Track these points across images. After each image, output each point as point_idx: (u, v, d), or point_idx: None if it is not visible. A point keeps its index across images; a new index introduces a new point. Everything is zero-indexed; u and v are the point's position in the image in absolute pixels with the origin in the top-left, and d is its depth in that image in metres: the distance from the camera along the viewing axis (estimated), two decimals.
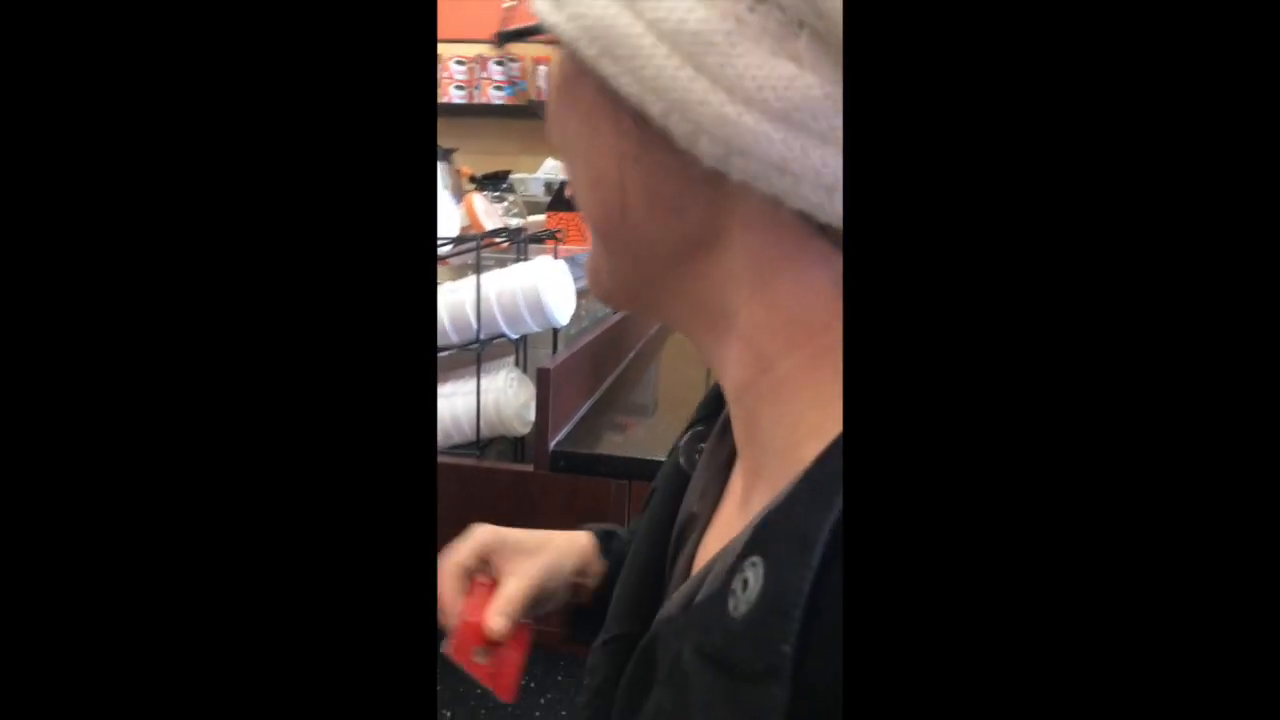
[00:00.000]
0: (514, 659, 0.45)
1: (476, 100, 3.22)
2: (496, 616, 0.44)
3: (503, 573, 0.47)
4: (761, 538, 0.22)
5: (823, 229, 0.22)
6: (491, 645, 0.44)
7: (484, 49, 3.19)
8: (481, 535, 0.48)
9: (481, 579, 0.47)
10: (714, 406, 0.34)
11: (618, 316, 1.40)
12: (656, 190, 0.24)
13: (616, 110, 0.23)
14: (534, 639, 0.46)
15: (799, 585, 0.19)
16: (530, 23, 0.24)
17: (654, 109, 0.21)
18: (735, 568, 0.22)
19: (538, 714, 0.78)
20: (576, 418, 0.99)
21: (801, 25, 0.20)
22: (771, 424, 0.25)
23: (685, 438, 0.35)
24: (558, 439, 0.90)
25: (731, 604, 0.21)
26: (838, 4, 0.19)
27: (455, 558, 0.47)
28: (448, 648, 0.43)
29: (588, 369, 1.08)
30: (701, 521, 0.31)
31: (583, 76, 0.23)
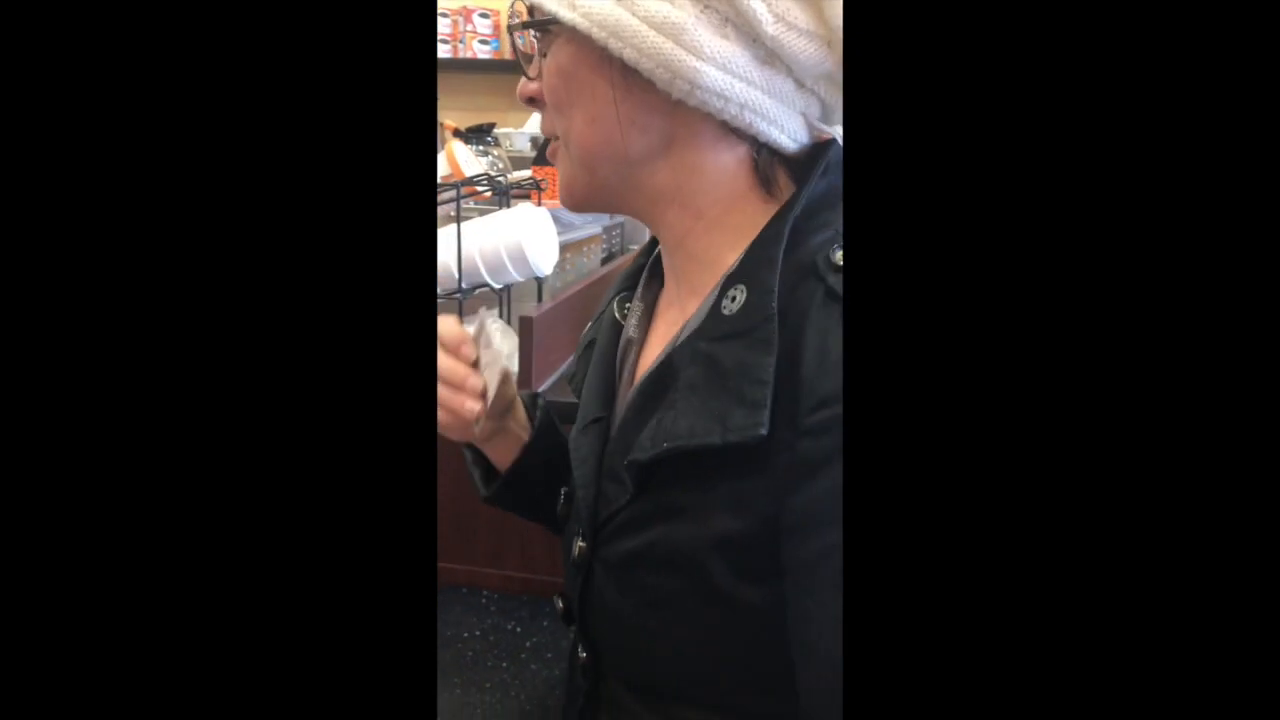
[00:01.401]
0: None
1: (461, 55, 3.15)
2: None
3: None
4: (736, 276, 0.40)
5: (735, 131, 0.40)
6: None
7: (468, 1, 3.11)
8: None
9: None
10: (630, 281, 0.52)
11: (603, 270, 1.39)
12: (637, 118, 0.40)
13: (612, 71, 0.39)
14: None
15: (770, 287, 0.38)
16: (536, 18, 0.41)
17: (644, 66, 0.38)
18: (720, 296, 0.40)
19: (523, 655, 0.79)
20: (560, 370, 0.99)
21: (726, 21, 0.38)
22: (703, 249, 0.43)
23: (613, 302, 0.52)
24: (542, 388, 0.90)
25: (726, 309, 0.39)
26: (750, 5, 0.37)
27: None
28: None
29: (572, 320, 1.07)
30: (638, 342, 0.49)
31: (589, 53, 0.39)
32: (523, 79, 0.44)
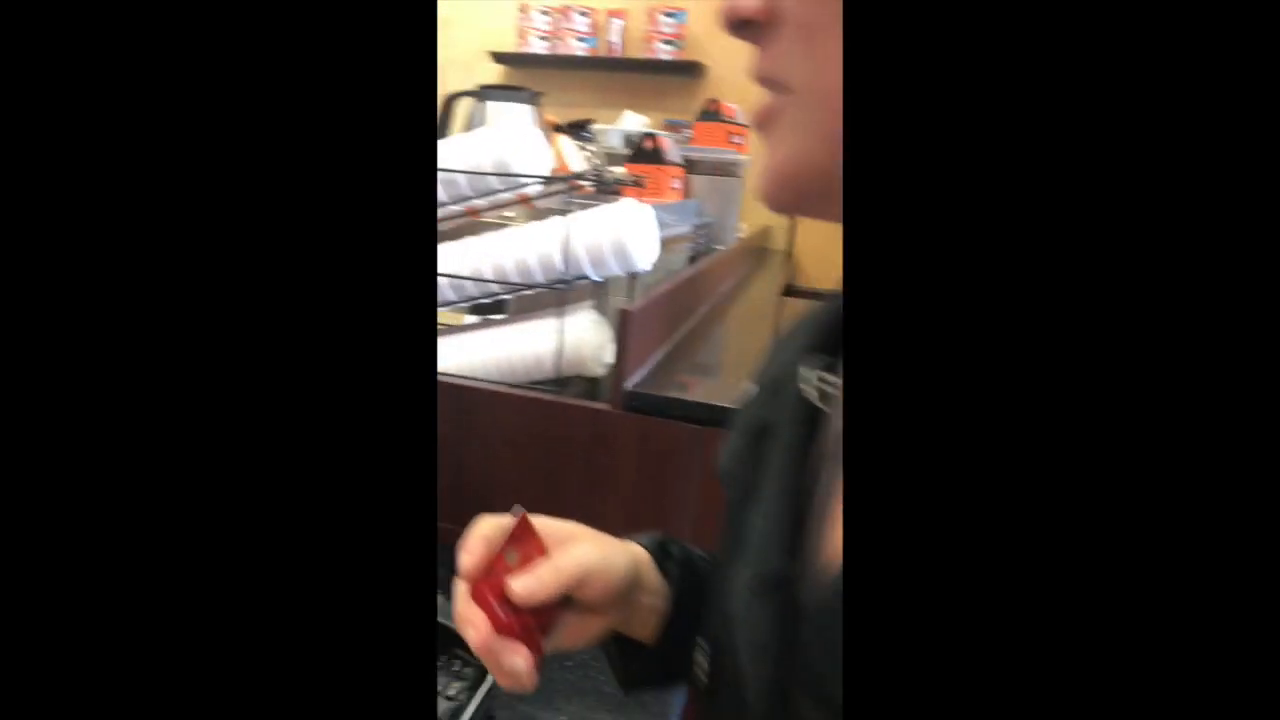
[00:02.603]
0: (519, 647, 0.37)
1: (559, 51, 3.21)
2: (526, 578, 0.38)
3: (551, 546, 0.41)
4: None
5: None
6: (509, 609, 0.38)
7: None
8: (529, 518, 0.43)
9: (533, 558, 0.40)
10: (832, 339, 0.32)
11: (693, 270, 1.40)
12: None
13: None
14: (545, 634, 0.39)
15: None
16: None
17: None
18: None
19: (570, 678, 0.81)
20: (651, 363, 1.01)
21: None
22: None
23: (809, 377, 0.31)
24: (633, 381, 0.92)
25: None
26: None
27: (498, 521, 0.41)
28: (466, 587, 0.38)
29: (664, 317, 1.09)
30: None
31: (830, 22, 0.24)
32: None
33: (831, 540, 0.28)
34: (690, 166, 2.02)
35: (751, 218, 2.70)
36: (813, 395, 0.31)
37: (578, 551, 0.40)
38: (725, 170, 2.24)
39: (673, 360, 1.08)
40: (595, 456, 0.90)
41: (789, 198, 0.27)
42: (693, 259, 1.66)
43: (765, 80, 0.27)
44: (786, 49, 0.26)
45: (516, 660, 0.36)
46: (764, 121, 0.27)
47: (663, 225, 1.37)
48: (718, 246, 2.02)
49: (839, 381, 0.30)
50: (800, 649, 0.26)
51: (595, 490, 0.91)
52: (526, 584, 0.38)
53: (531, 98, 1.42)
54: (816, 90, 0.25)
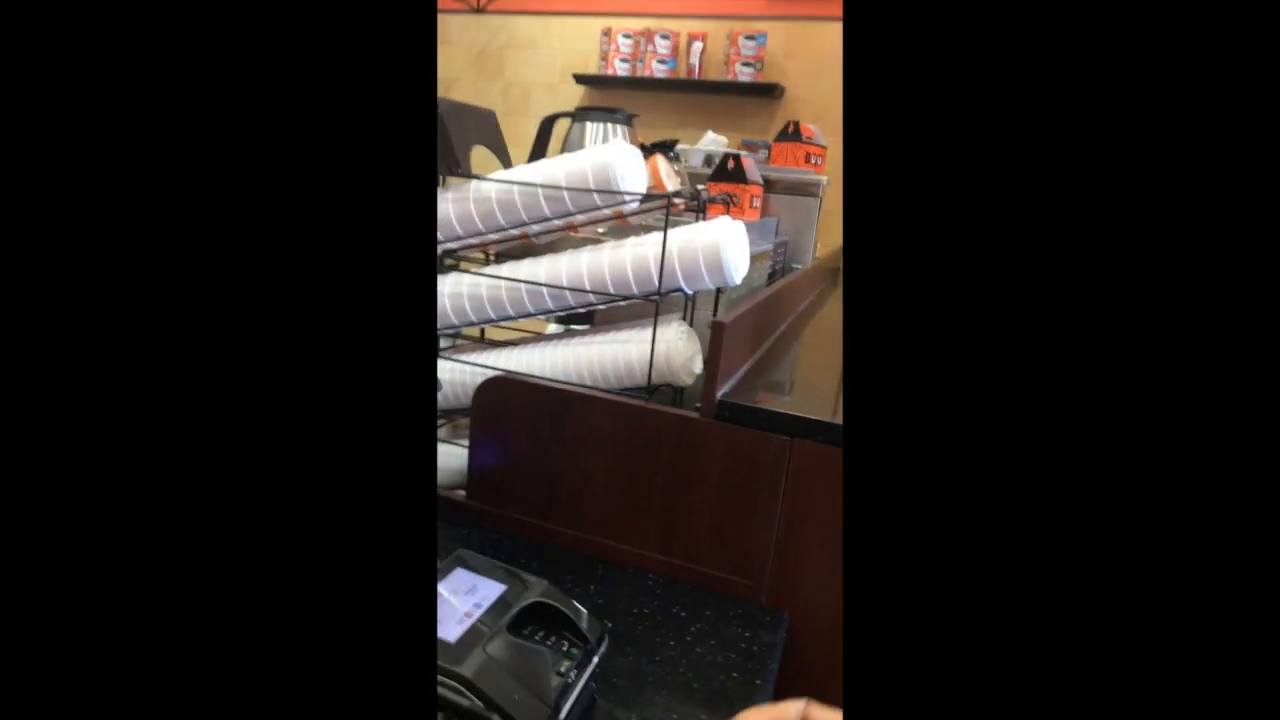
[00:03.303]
0: None
1: (640, 73, 3.30)
2: None
3: None
4: None
5: None
6: None
7: (649, 23, 3.25)
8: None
9: None
10: None
11: (775, 286, 1.42)
12: None
13: None
14: None
15: None
16: None
17: None
18: None
19: (688, 638, 0.84)
20: (739, 374, 1.04)
21: None
22: None
23: None
24: (724, 390, 0.95)
25: None
26: None
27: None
28: None
29: (750, 332, 1.12)
30: None
31: None
32: None
33: None
34: (769, 186, 2.05)
35: (826, 238, 2.70)
36: None
37: None
38: (803, 190, 2.26)
39: (756, 374, 1.10)
40: (683, 462, 0.94)
41: None
42: (772, 276, 1.69)
43: None
44: None
45: None
46: None
47: (751, 244, 1.41)
48: (795, 265, 2.04)
49: None
50: None
51: (683, 495, 0.95)
52: None
53: (627, 119, 1.48)
54: None
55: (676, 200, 1.08)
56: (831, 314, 1.99)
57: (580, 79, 3.45)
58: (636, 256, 0.97)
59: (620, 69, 3.37)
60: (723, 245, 0.94)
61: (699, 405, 0.93)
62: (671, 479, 0.95)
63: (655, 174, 1.13)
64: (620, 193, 0.98)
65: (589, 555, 1.00)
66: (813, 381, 1.26)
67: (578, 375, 1.03)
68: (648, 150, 1.74)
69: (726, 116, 3.25)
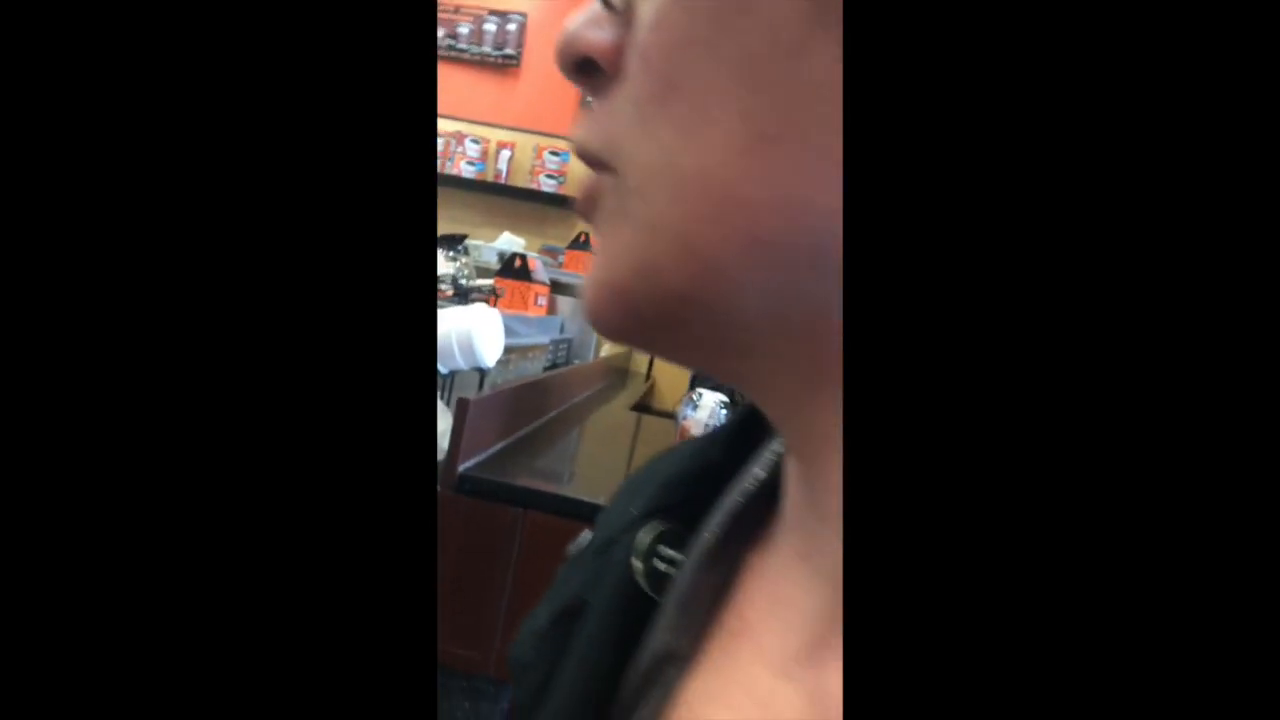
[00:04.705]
0: None
1: (448, 171, 3.42)
2: None
3: None
4: None
5: None
6: None
7: (461, 126, 3.42)
8: None
9: None
10: (679, 507, 0.23)
11: (542, 376, 1.51)
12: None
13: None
14: None
15: None
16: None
17: None
18: None
19: None
20: (488, 452, 1.09)
21: None
22: None
23: (641, 543, 0.23)
24: (466, 465, 1.00)
25: None
26: None
27: None
28: None
29: (506, 414, 1.18)
30: (681, 663, 0.21)
31: None
32: (577, 12, 0.19)
33: None
34: (557, 288, 2.19)
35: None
36: (639, 573, 0.22)
37: None
38: None
39: (512, 455, 1.16)
40: None
41: (621, 319, 0.19)
42: (549, 369, 1.79)
43: (583, 153, 0.19)
44: (619, 104, 0.18)
45: None
46: (586, 209, 0.19)
47: (523, 335, 1.49)
48: (577, 361, 2.17)
49: (680, 558, 0.22)
50: None
51: None
52: None
53: None
54: (651, 171, 0.17)
55: (443, 287, 1.15)
56: (614, 410, 2.12)
57: None
58: None
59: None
60: (475, 328, 1.02)
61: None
62: None
63: None
64: None
65: None
66: (575, 469, 1.34)
67: None
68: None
69: (530, 221, 3.44)
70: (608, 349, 2.61)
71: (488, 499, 0.97)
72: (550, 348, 1.86)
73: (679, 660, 0.21)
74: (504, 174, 3.50)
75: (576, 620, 0.24)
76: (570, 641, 0.24)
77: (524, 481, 0.99)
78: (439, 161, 3.48)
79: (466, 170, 3.49)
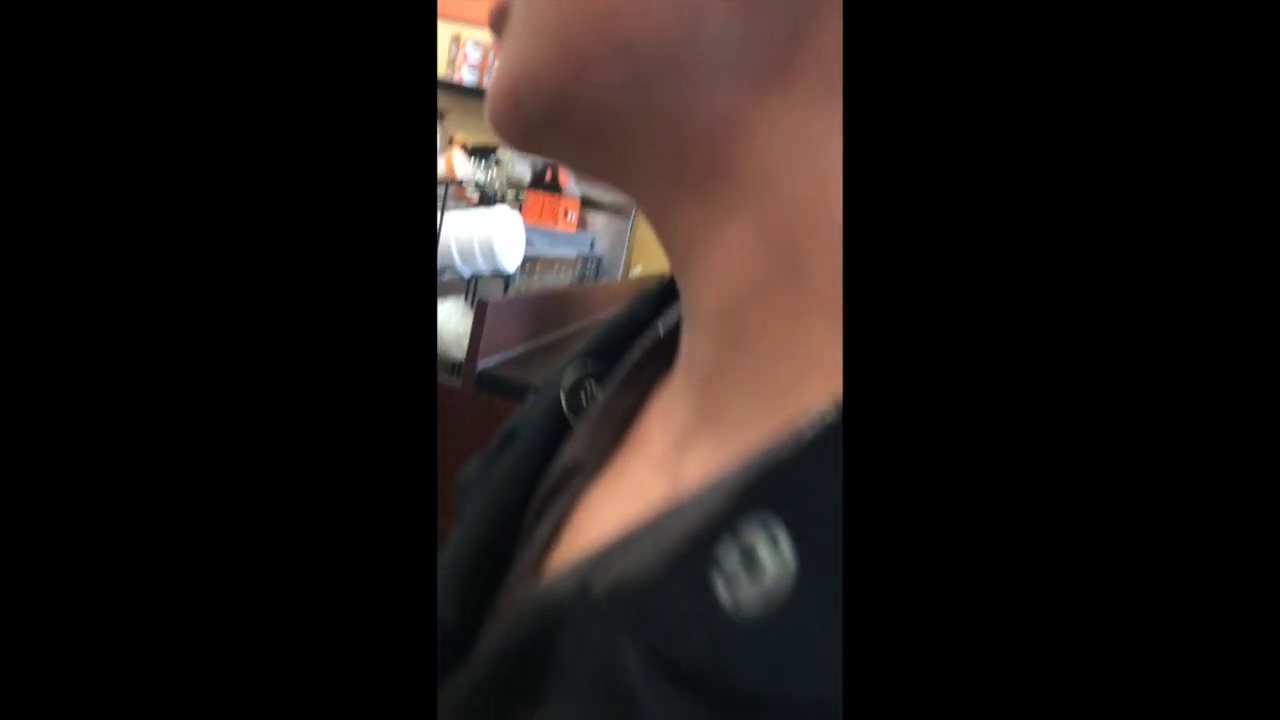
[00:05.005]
0: None
1: (486, 84, 3.37)
2: None
3: None
4: (777, 491, 0.16)
5: None
6: None
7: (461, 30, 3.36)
8: None
9: None
10: (605, 351, 0.27)
11: (566, 288, 1.54)
12: None
13: None
14: None
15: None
16: None
17: None
18: (717, 533, 0.15)
19: None
20: (508, 354, 1.13)
21: None
22: (773, 348, 0.18)
23: (567, 379, 0.27)
24: (486, 364, 1.04)
25: (722, 589, 0.15)
26: None
27: None
28: None
29: (526, 319, 1.22)
30: (587, 471, 0.24)
31: None
32: None
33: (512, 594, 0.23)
34: (589, 203, 2.19)
35: (650, 263, 2.89)
36: (564, 402, 0.26)
37: None
38: (622, 210, 2.43)
39: (532, 357, 1.20)
40: (443, 430, 1.01)
41: (513, 122, 0.20)
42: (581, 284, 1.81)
43: None
44: None
45: None
46: (495, 21, 0.21)
47: (552, 248, 1.52)
48: (607, 279, 2.18)
49: (597, 390, 0.26)
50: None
51: (441, 459, 1.02)
52: None
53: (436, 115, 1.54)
54: None
55: (468, 192, 1.17)
56: None
57: None
58: None
59: (468, 77, 3.43)
60: (497, 232, 1.04)
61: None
62: None
63: (449, 164, 1.21)
64: None
65: None
66: None
67: None
68: (467, 150, 1.82)
69: None
70: (639, 269, 2.62)
71: (504, 396, 1.01)
72: (578, 263, 1.88)
73: (585, 470, 0.24)
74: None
75: (506, 446, 0.27)
76: (497, 464, 0.27)
77: (540, 381, 1.03)
78: (476, 73, 3.43)
79: (468, 77, 3.45)
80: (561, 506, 0.24)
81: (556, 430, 0.26)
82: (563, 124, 0.20)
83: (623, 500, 0.22)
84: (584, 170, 0.21)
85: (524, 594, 0.22)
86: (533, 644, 0.19)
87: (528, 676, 0.18)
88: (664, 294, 0.27)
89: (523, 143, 0.21)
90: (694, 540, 0.16)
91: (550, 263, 1.52)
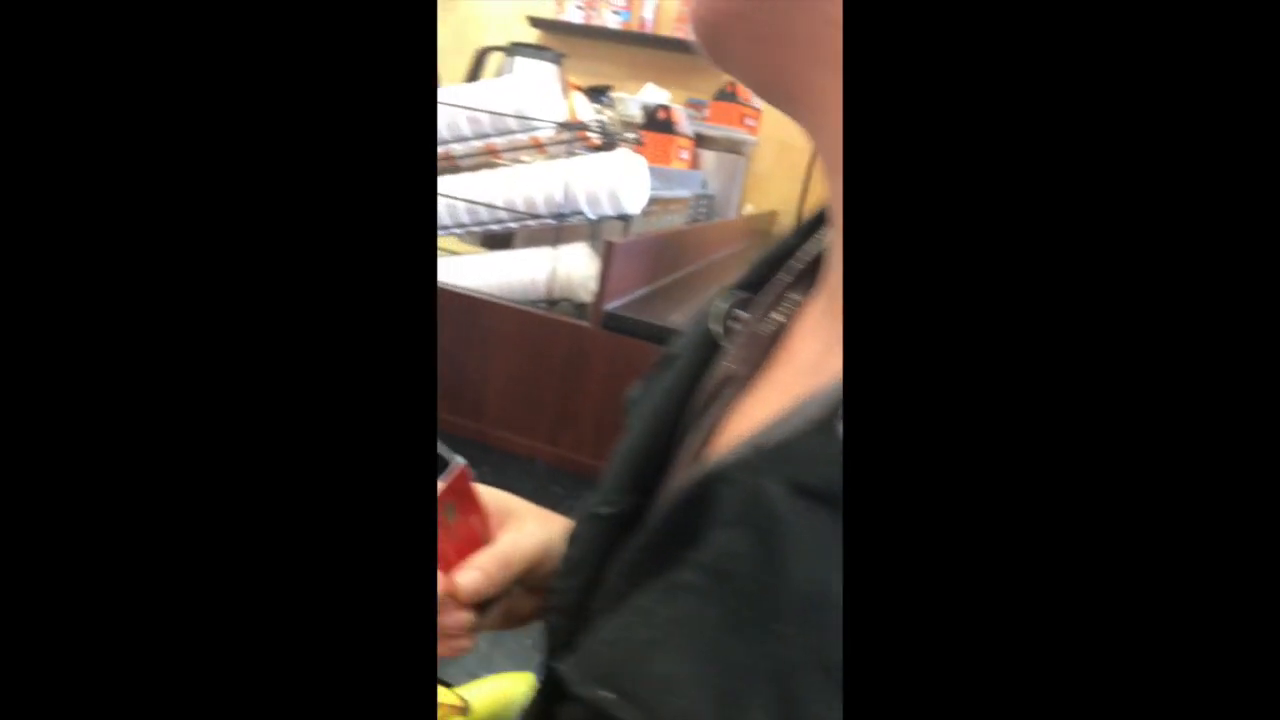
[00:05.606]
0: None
1: (594, 22, 3.34)
2: (473, 572, 0.35)
3: (503, 524, 0.39)
4: None
5: None
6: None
7: None
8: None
9: (470, 519, 0.37)
10: (758, 277, 0.30)
11: (684, 227, 1.54)
12: None
13: None
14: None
15: None
16: None
17: None
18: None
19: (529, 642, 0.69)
20: (632, 295, 1.16)
21: None
22: None
23: (718, 307, 0.30)
24: (613, 305, 1.07)
25: (841, 430, 0.18)
26: None
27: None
28: None
29: (649, 259, 1.24)
30: (739, 382, 0.27)
31: None
32: None
33: (679, 479, 0.26)
34: (701, 141, 2.16)
35: (760, 200, 2.83)
36: (717, 328, 0.29)
37: (524, 542, 0.37)
38: (732, 148, 2.37)
39: (655, 299, 1.23)
40: (573, 366, 1.06)
41: (705, 35, 0.23)
42: (693, 224, 1.81)
43: None
44: None
45: (455, 618, 0.35)
46: None
47: (666, 188, 1.51)
48: (719, 219, 2.17)
49: (747, 316, 0.29)
50: (601, 591, 0.25)
51: (572, 395, 1.07)
52: (473, 580, 0.35)
53: (555, 57, 1.56)
54: None
55: (589, 134, 1.18)
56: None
57: (535, 22, 3.47)
58: (545, 180, 1.08)
59: (574, 15, 3.40)
60: (620, 175, 1.05)
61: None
62: (562, 382, 1.07)
63: (571, 108, 1.23)
64: (531, 119, 1.08)
65: (486, 446, 1.12)
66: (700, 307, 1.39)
67: (487, 288, 1.14)
68: (582, 92, 1.83)
69: (673, 73, 3.33)
70: (750, 207, 2.57)
71: (632, 335, 1.04)
72: (692, 202, 1.87)
73: (737, 380, 0.27)
74: (649, 23, 3.38)
75: (664, 370, 0.32)
76: (658, 384, 0.31)
77: (666, 322, 1.05)
78: (585, 13, 3.40)
79: (611, 20, 3.39)
80: (716, 412, 0.27)
81: (709, 352, 0.29)
82: (737, 39, 0.22)
83: (773, 402, 0.24)
84: (749, 78, 0.23)
85: (688, 473, 0.25)
86: (698, 500, 0.21)
87: (690, 526, 0.21)
88: (813, 225, 0.29)
89: (717, 55, 0.23)
90: (828, 406, 0.19)
91: (666, 202, 1.52)
